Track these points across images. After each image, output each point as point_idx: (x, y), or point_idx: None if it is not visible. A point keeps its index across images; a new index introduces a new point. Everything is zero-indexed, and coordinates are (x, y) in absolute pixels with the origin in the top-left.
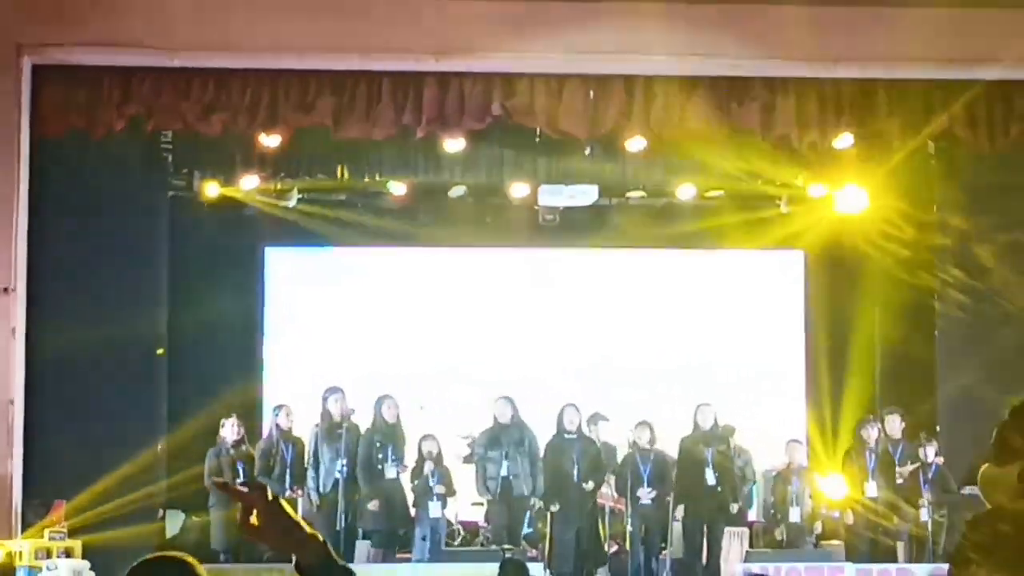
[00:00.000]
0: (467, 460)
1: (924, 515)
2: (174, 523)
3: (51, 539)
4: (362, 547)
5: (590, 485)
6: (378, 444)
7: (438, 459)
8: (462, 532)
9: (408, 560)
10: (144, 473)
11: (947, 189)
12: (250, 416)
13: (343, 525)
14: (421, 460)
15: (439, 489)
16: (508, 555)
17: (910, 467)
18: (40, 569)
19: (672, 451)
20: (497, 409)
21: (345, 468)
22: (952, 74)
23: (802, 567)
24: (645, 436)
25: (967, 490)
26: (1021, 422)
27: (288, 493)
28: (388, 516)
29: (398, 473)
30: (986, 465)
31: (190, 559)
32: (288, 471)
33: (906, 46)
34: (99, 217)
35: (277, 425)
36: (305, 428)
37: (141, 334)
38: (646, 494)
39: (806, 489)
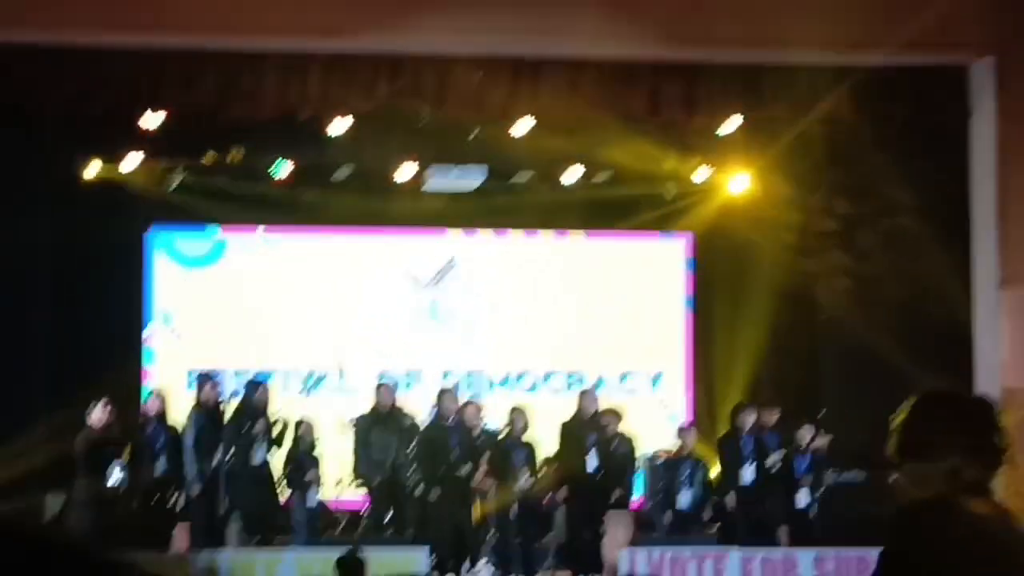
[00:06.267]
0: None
1: (803, 500)
2: (56, 505)
3: None
4: (234, 533)
5: (466, 469)
6: (246, 429)
7: (311, 446)
8: (343, 520)
9: (286, 546)
10: (23, 458)
11: (833, 173)
12: (133, 401)
13: (223, 512)
14: (296, 446)
15: (313, 476)
16: (347, 551)
17: (785, 452)
18: None
19: (553, 436)
20: (379, 395)
21: (222, 454)
22: (838, 59)
23: (688, 551)
24: (520, 422)
25: (850, 475)
26: (930, 418)
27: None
28: (259, 502)
29: (267, 459)
30: (909, 464)
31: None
32: (162, 456)
33: (792, 31)
34: None
35: (149, 410)
36: (183, 413)
37: (22, 319)
38: (523, 480)
39: (696, 474)
